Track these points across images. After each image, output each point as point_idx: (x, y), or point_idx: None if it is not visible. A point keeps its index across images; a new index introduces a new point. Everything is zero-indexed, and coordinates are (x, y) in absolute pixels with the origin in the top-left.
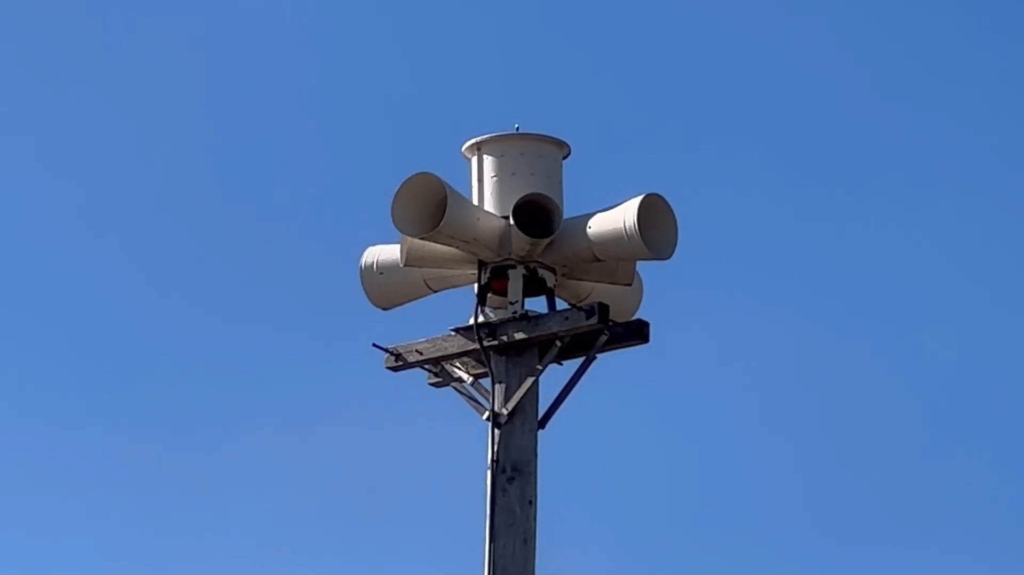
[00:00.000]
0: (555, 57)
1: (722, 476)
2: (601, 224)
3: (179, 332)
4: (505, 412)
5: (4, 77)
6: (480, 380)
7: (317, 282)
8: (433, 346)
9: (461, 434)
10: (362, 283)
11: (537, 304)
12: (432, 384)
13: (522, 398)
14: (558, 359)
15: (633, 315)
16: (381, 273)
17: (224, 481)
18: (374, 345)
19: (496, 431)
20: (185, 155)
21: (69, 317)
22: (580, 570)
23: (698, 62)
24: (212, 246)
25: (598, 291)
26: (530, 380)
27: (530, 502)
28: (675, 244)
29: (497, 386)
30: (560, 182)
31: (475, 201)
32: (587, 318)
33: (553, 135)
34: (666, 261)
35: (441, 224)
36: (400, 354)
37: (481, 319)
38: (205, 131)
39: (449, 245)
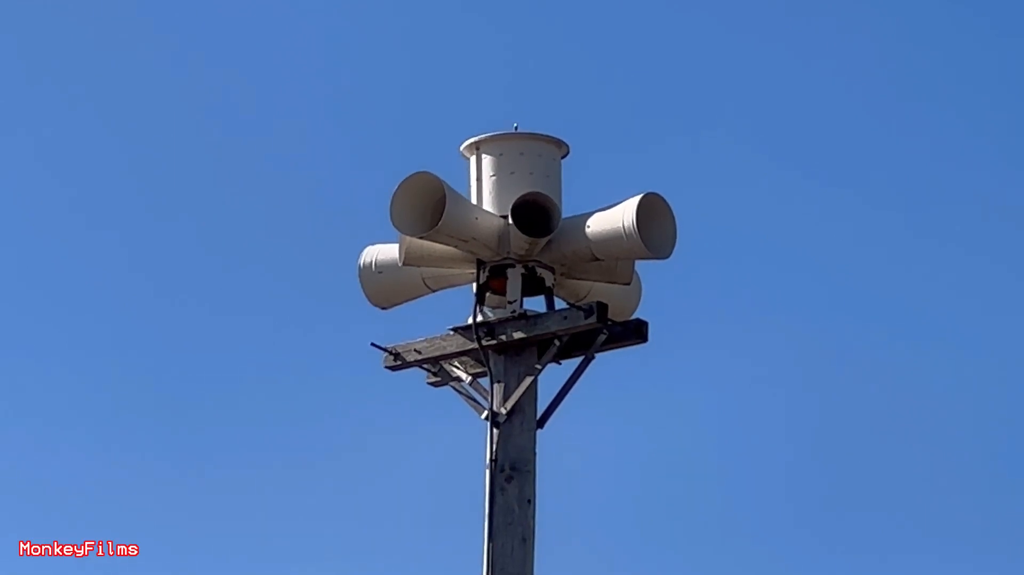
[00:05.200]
0: (555, 57)
1: (721, 475)
2: (600, 223)
3: (177, 331)
4: (504, 411)
5: (4, 76)
6: (479, 379)
7: (316, 281)
8: (432, 345)
9: (460, 433)
10: (361, 282)
11: (536, 303)
12: (431, 383)
13: (521, 397)
14: (557, 358)
15: (632, 314)
16: (380, 272)
17: (221, 480)
18: (373, 344)
19: (495, 430)
20: (184, 154)
21: (68, 316)
22: (578, 569)
23: (697, 61)
24: (211, 245)
25: (597, 290)
26: (529, 379)
27: (529, 501)
28: (674, 243)
29: (496, 385)
30: (559, 181)
31: (474, 200)
32: (586, 317)
33: (552, 134)
34: (665, 260)
35: (440, 223)
36: (399, 353)
37: (480, 318)
38: (204, 130)
39: (448, 244)
